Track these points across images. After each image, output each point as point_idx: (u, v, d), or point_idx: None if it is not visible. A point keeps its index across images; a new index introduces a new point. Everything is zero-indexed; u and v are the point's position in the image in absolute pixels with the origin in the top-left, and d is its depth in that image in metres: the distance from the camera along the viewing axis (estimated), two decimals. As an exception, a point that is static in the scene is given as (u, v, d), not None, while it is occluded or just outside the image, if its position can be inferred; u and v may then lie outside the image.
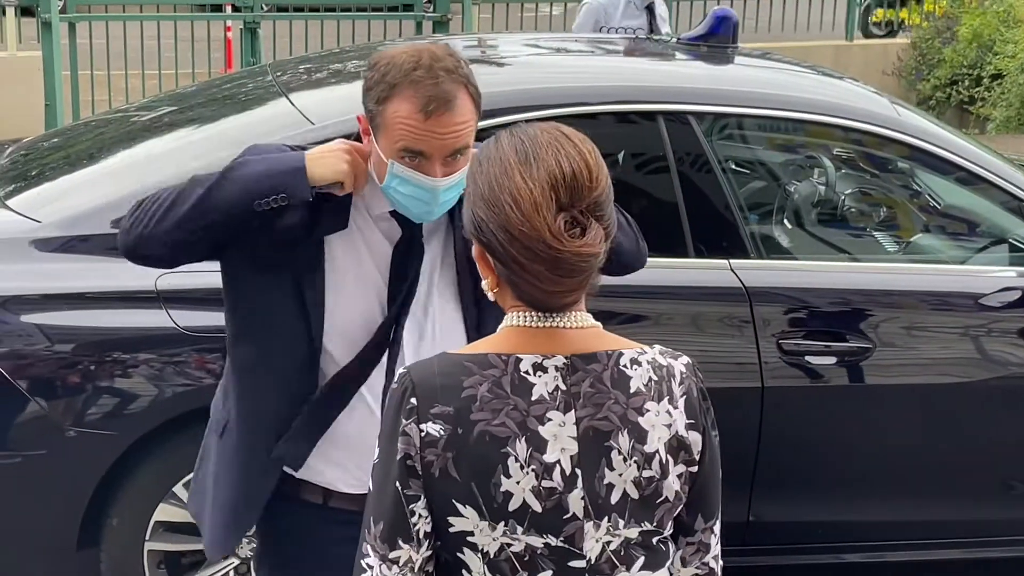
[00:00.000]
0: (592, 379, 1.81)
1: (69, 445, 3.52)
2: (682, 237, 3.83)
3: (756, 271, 3.87)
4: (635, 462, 1.81)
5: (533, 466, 1.77)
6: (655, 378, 1.84)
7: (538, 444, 1.78)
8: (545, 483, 1.78)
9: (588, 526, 1.80)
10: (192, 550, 3.70)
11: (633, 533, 1.84)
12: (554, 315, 1.82)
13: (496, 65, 4.95)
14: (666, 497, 1.84)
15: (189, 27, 9.82)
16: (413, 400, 1.78)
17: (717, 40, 4.54)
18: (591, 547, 1.81)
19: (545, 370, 1.80)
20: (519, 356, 1.80)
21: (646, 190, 4.02)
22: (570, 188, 1.77)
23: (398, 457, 1.77)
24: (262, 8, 9.56)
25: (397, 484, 1.77)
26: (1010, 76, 11.81)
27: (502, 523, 1.78)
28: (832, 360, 3.85)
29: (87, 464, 3.56)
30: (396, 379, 1.82)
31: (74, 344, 3.55)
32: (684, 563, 1.92)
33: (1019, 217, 4.11)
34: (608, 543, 1.82)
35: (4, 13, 9.70)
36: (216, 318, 3.54)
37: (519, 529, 1.78)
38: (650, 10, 6.70)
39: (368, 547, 1.80)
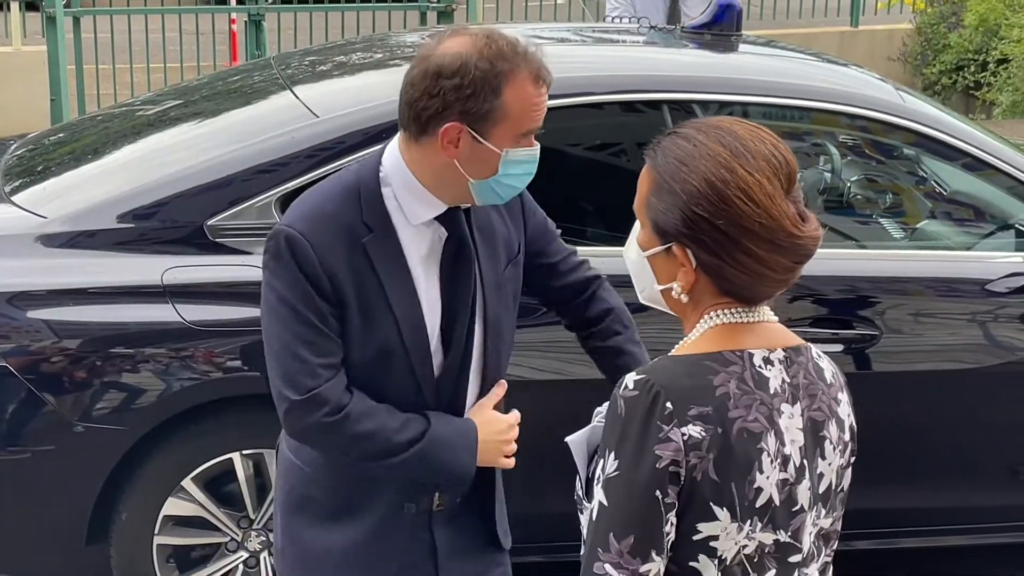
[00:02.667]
0: (803, 371, 1.82)
1: (77, 440, 3.53)
2: (687, 226, 3.82)
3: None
4: (839, 451, 1.84)
5: (778, 459, 1.76)
6: (834, 371, 1.88)
7: (781, 437, 1.77)
8: (782, 475, 1.76)
9: (808, 518, 1.80)
10: (201, 544, 3.71)
11: (827, 524, 1.86)
12: (757, 310, 1.81)
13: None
14: (843, 487, 1.87)
15: (194, 20, 9.80)
16: (669, 404, 1.71)
17: (721, 28, 4.53)
18: (806, 540, 1.81)
19: (772, 364, 1.79)
20: (751, 351, 1.78)
21: (651, 179, 4.01)
22: (787, 176, 1.77)
23: (660, 465, 1.69)
24: (266, 0, 9.55)
25: (657, 493, 1.69)
26: (1016, 61, 11.77)
27: (748, 522, 1.75)
28: (839, 348, 3.84)
29: (96, 459, 3.56)
30: (631, 386, 1.73)
31: (81, 339, 3.55)
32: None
33: (1024, 202, 4.10)
34: (811, 534, 1.83)
35: (9, 8, 9.69)
36: (222, 312, 3.58)
37: (759, 526, 1.76)
38: None
39: (606, 566, 1.70)
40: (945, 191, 4.47)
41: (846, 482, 1.88)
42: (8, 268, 3.58)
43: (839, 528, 1.91)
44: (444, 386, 2.44)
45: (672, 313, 1.87)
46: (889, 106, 4.14)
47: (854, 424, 1.88)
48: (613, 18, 6.01)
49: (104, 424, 3.54)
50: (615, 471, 1.71)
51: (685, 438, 1.70)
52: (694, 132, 1.79)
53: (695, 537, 1.73)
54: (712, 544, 1.74)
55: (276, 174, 3.70)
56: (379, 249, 2.36)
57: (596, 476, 1.74)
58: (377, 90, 4.11)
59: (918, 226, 4.36)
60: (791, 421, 1.78)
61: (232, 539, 3.71)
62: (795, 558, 1.80)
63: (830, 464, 1.83)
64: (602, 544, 1.70)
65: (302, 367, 2.32)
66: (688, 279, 1.79)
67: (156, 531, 3.64)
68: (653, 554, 1.70)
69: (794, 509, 1.78)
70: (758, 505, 1.74)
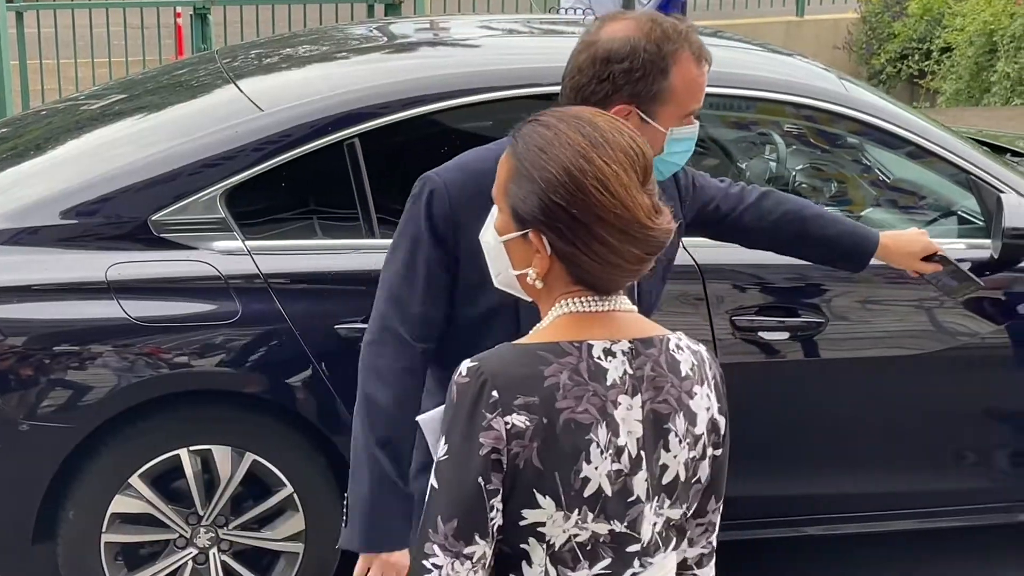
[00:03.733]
0: (652, 363, 1.83)
1: (23, 439, 3.50)
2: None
3: (708, 248, 3.84)
4: (687, 444, 1.84)
5: (610, 450, 1.77)
6: (695, 363, 1.88)
7: (615, 428, 1.78)
8: (615, 466, 1.78)
9: (647, 509, 1.82)
10: (149, 541, 3.69)
11: (675, 514, 1.87)
12: (608, 300, 1.82)
13: (449, 47, 4.94)
14: (699, 478, 1.88)
15: (139, 14, 9.72)
16: (495, 393, 1.73)
17: (666, 19, 4.53)
18: (646, 530, 1.83)
19: (614, 355, 1.80)
20: (590, 342, 1.79)
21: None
22: (643, 168, 1.79)
23: (482, 452, 1.72)
24: (212, -7, 9.49)
25: (480, 480, 1.72)
26: (959, 49, 11.89)
27: (576, 511, 1.77)
28: (785, 335, 3.87)
29: (41, 457, 3.54)
30: (464, 372, 1.76)
31: (25, 337, 3.52)
32: (691, 543, 1.95)
33: (967, 189, 4.14)
34: (654, 524, 1.84)
35: (-50, 3, 9.58)
36: (167, 307, 3.56)
37: (590, 516, 1.78)
38: None
39: (434, 547, 1.74)
40: (889, 179, 4.51)
41: (705, 474, 1.88)
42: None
43: (713, 520, 1.93)
44: None
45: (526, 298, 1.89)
46: (832, 95, 4.17)
47: (718, 417, 1.88)
48: (566, 10, 6.02)
49: (50, 422, 3.51)
50: (444, 455, 1.75)
51: (508, 427, 1.73)
52: (555, 120, 1.81)
53: (521, 523, 1.77)
54: (539, 530, 1.77)
55: (221, 168, 3.68)
56: None
57: (435, 458, 1.79)
58: (324, 83, 4.10)
59: (863, 214, 4.39)
60: (629, 412, 1.80)
61: (181, 536, 3.69)
62: (633, 548, 1.82)
63: (675, 456, 1.83)
64: (432, 526, 1.75)
65: (395, 308, 2.44)
66: (543, 265, 1.81)
67: (104, 529, 3.61)
68: (477, 537, 1.74)
69: (629, 500, 1.80)
70: (586, 495, 1.76)
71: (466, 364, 1.77)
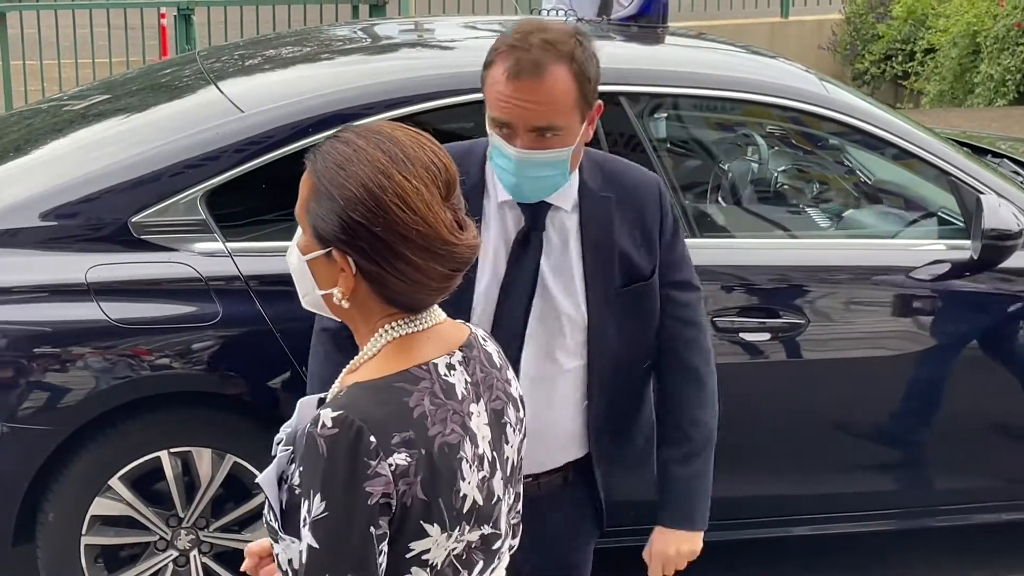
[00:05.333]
0: (479, 364, 1.85)
1: (2, 441, 3.49)
2: (616, 218, 3.83)
3: (692, 250, 3.87)
4: (517, 429, 1.89)
5: (475, 462, 1.78)
6: (497, 348, 1.92)
7: (475, 440, 1.79)
8: (480, 474, 1.78)
9: (503, 505, 1.84)
10: (130, 543, 3.68)
11: (512, 497, 1.90)
12: (426, 315, 1.80)
13: (433, 48, 4.94)
14: (522, 456, 1.93)
15: (123, 14, 9.70)
16: (372, 438, 1.67)
17: (647, 20, 4.55)
18: (503, 524, 1.85)
19: (455, 368, 1.80)
20: (435, 361, 1.78)
21: (579, 171, 4.02)
22: (446, 182, 1.75)
23: (371, 501, 1.66)
24: (196, -6, 9.48)
25: (370, 528, 1.67)
26: (942, 51, 11.93)
27: (456, 529, 1.75)
28: (766, 336, 3.87)
29: (21, 459, 3.52)
30: (330, 424, 1.67)
31: (5, 339, 3.51)
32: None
33: (947, 190, 4.16)
34: (508, 514, 1.87)
35: (-68, 3, 9.56)
36: (147, 309, 3.55)
37: (467, 529, 1.77)
38: None
39: None
40: (870, 180, 4.52)
41: (523, 451, 1.94)
42: (-71, 268, 3.52)
43: (519, 490, 1.95)
44: None
45: (339, 319, 1.84)
46: (813, 97, 4.18)
47: (520, 393, 1.94)
48: (548, 11, 5.99)
49: (29, 424, 3.50)
50: (323, 512, 1.66)
51: (392, 468, 1.68)
52: (354, 137, 1.77)
53: (408, 555, 1.73)
54: (424, 557, 1.74)
55: (202, 169, 3.67)
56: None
57: (302, 518, 1.69)
58: (306, 83, 4.09)
59: (844, 215, 4.40)
60: (479, 419, 1.80)
61: (161, 538, 3.68)
62: (497, 544, 1.85)
63: (512, 445, 1.87)
64: None
65: None
66: (348, 284, 1.76)
67: (84, 531, 3.60)
68: None
69: (493, 502, 1.81)
70: (465, 511, 1.76)
71: (327, 414, 1.68)
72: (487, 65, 2.45)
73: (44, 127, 4.49)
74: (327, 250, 1.75)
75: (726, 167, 4.55)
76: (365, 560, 1.67)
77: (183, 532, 3.68)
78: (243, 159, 3.69)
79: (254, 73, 4.64)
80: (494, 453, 1.81)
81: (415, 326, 1.79)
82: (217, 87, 4.09)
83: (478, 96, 3.88)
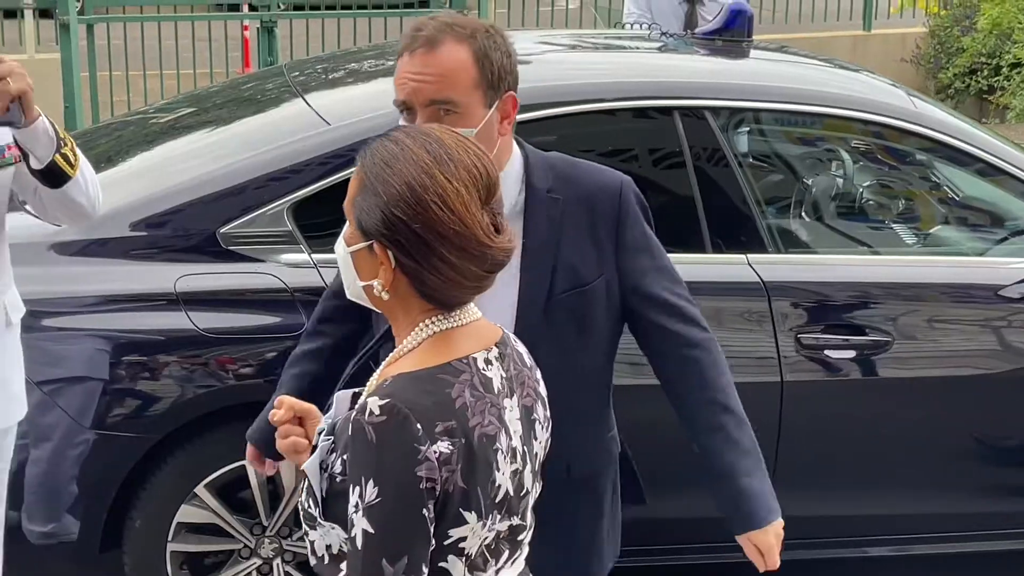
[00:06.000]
0: (511, 363, 1.91)
1: (91, 447, 3.54)
2: (699, 232, 3.82)
3: (774, 265, 3.86)
4: (545, 426, 1.97)
5: (509, 453, 1.84)
6: (524, 349, 2.00)
7: (509, 432, 1.85)
8: (512, 466, 1.85)
9: (531, 498, 1.92)
10: (214, 551, 3.72)
11: (536, 491, 1.96)
12: (462, 312, 1.87)
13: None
14: (546, 451, 1.99)
15: (206, 27, 9.84)
16: (418, 426, 1.73)
17: (732, 34, 4.53)
18: (529, 516, 1.92)
19: (491, 363, 1.87)
20: (474, 356, 1.85)
21: (662, 186, 4.02)
22: (486, 187, 1.82)
23: (421, 485, 1.73)
24: (279, 7, 9.58)
25: (422, 511, 1.73)
26: (1029, 64, 11.74)
27: (490, 518, 1.81)
28: (851, 354, 3.84)
29: (109, 466, 3.58)
30: (378, 412, 1.73)
31: (95, 347, 3.56)
32: None
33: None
34: (530, 508, 1.93)
35: (23, 15, 9.74)
36: (234, 319, 3.59)
37: (499, 518, 1.83)
38: (691, 1, 6.14)
39: None
40: (958, 196, 4.46)
41: (548, 447, 2.00)
42: (22, 276, 3.58)
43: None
44: None
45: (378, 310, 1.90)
46: (901, 111, 4.14)
47: (545, 393, 2.00)
48: (630, 24, 5.98)
49: (118, 431, 3.55)
50: (376, 498, 1.72)
51: (437, 455, 1.74)
52: (403, 136, 1.83)
53: (446, 542, 1.79)
54: (460, 545, 1.80)
55: (288, 182, 3.71)
56: None
57: (352, 503, 1.74)
58: (388, 97, 4.11)
59: (931, 232, 4.36)
60: (512, 414, 1.87)
61: (245, 546, 3.71)
62: (523, 536, 1.91)
63: (540, 442, 1.94)
64: (374, 572, 1.73)
65: None
66: (387, 277, 1.82)
67: (170, 538, 3.65)
68: (423, 567, 1.76)
69: (523, 494, 1.89)
70: (498, 500, 1.83)
71: (375, 402, 1.74)
72: (398, 57, 2.41)
73: (133, 139, 4.56)
74: (369, 243, 1.82)
75: (810, 182, 4.51)
76: (419, 543, 1.74)
77: (267, 540, 3.72)
78: (329, 171, 3.72)
79: (338, 86, 4.69)
80: (524, 447, 1.89)
81: (454, 322, 1.86)
82: (304, 100, 4.13)
83: (556, 111, 3.95)
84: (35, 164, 2.84)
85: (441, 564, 1.79)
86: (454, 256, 1.78)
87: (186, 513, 3.65)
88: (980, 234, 4.33)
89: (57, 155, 2.81)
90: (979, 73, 12.49)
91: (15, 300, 3.09)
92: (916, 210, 4.51)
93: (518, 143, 2.54)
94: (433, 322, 1.84)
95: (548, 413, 1.99)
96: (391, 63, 4.86)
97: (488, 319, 2.42)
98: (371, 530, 1.73)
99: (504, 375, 1.88)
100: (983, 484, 4.10)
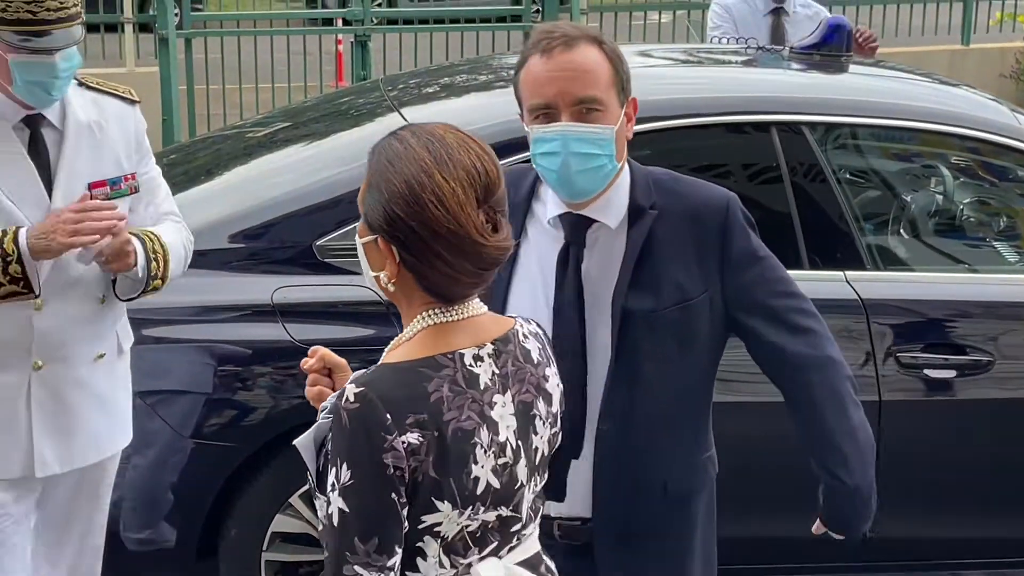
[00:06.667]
0: (511, 358, 1.96)
1: (189, 456, 3.58)
2: (796, 248, 3.79)
3: (872, 283, 3.81)
4: (548, 423, 2.01)
5: (493, 448, 1.89)
6: (539, 346, 2.04)
7: (494, 428, 1.90)
8: (500, 460, 1.90)
9: (527, 491, 1.97)
10: (308, 561, 3.75)
11: (539, 485, 2.01)
12: (462, 307, 1.93)
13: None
14: (558, 444, 2.05)
15: (301, 41, 9.96)
16: (388, 416, 1.80)
17: (830, 49, 4.49)
18: (525, 509, 1.97)
19: (482, 360, 1.93)
20: (461, 351, 1.90)
21: (759, 201, 3.97)
22: (485, 186, 1.87)
23: (388, 472, 1.80)
24: (372, 21, 9.66)
25: (392, 496, 1.81)
26: None
27: (470, 508, 1.87)
28: (951, 373, 3.78)
29: (206, 475, 3.62)
30: (352, 399, 1.81)
31: (194, 357, 3.61)
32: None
33: None
34: (530, 500, 1.99)
35: (123, 30, 9.92)
36: (330, 331, 3.61)
37: (481, 509, 1.89)
38: (777, 13, 6.04)
39: (356, 567, 1.81)
40: (1063, 214, 4.38)
41: (557, 441, 2.04)
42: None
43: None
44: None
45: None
46: (1003, 127, 4.07)
47: (560, 387, 2.05)
48: (715, 38, 5.94)
49: (214, 440, 3.59)
50: (350, 480, 1.81)
51: (405, 446, 1.81)
52: (408, 135, 1.91)
53: (420, 526, 1.86)
54: (436, 529, 1.87)
55: (384, 195, 3.73)
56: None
57: (330, 482, 1.82)
58: (482, 112, 4.13)
59: (1033, 250, 4.27)
60: (504, 409, 1.92)
61: (338, 557, 3.73)
62: (516, 527, 1.96)
63: (541, 437, 1.99)
64: (349, 548, 1.82)
65: None
66: (392, 270, 1.89)
67: (264, 547, 3.68)
68: (396, 548, 1.84)
69: (516, 487, 1.94)
70: (479, 492, 1.88)
71: (351, 389, 1.82)
72: (518, 70, 2.40)
73: (230, 152, 4.62)
74: (374, 237, 1.90)
75: (909, 198, 4.45)
76: (390, 524, 1.82)
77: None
78: (424, 185, 3.73)
79: (432, 101, 4.71)
80: (519, 442, 1.94)
81: (450, 316, 1.92)
82: (400, 114, 4.16)
83: (652, 125, 3.92)
84: (120, 294, 2.97)
85: (418, 544, 1.87)
86: (448, 253, 1.85)
87: (281, 523, 3.68)
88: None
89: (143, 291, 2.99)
90: (1081, 88, 12.23)
91: (126, 328, 3.16)
92: (1018, 227, 4.42)
93: (627, 159, 2.51)
94: (430, 315, 1.91)
95: (554, 409, 2.02)
96: (484, 77, 4.94)
97: (597, 333, 2.43)
98: (346, 509, 1.81)
99: (497, 371, 1.93)
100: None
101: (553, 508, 2.47)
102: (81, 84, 3.03)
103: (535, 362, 2.00)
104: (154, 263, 2.98)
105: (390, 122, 4.18)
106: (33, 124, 2.91)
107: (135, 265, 2.91)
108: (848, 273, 3.80)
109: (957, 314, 3.85)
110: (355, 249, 3.58)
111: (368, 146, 3.94)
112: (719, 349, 2.54)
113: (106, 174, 2.97)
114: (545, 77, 2.35)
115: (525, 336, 2.02)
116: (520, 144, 3.71)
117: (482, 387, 1.90)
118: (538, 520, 2.05)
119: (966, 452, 3.88)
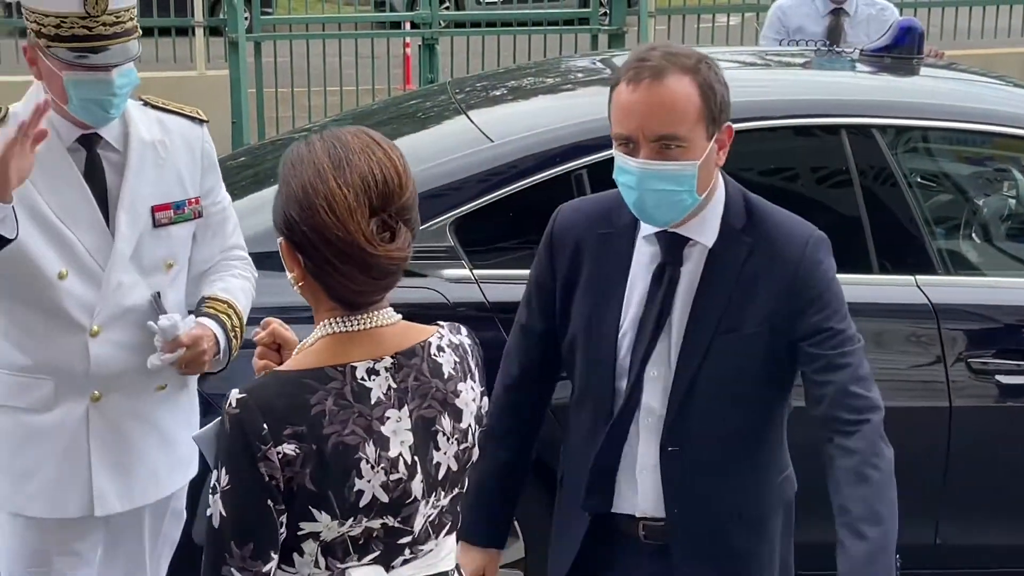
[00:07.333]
0: (415, 373, 1.93)
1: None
2: (866, 253, 3.75)
3: (943, 288, 3.76)
4: (456, 439, 1.97)
5: (382, 464, 1.87)
6: (457, 359, 1.99)
7: (383, 443, 1.88)
8: (392, 476, 1.88)
9: (421, 505, 1.93)
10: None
11: (447, 500, 1.99)
12: (366, 316, 1.90)
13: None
14: (471, 460, 2.02)
15: (369, 44, 10.02)
16: (265, 425, 1.80)
17: (901, 51, 4.44)
18: (419, 523, 1.95)
19: (377, 373, 1.89)
20: (353, 365, 1.87)
21: (829, 205, 3.95)
22: (381, 193, 1.84)
23: (264, 480, 1.80)
24: (440, 25, 9.70)
25: (269, 502, 1.81)
26: None
27: (351, 518, 1.86)
28: (1023, 379, 3.72)
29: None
30: (234, 404, 1.82)
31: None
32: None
33: None
34: (428, 516, 1.96)
35: (193, 33, 10.04)
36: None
37: (364, 520, 1.88)
38: (836, 14, 5.94)
39: (232, 570, 1.82)
40: None
41: (474, 455, 2.01)
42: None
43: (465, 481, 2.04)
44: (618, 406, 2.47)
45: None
46: (1079, 131, 4.00)
47: (481, 403, 2.01)
48: (770, 38, 5.93)
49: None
50: (228, 485, 1.82)
51: (280, 456, 1.80)
52: (316, 139, 1.89)
53: (299, 532, 1.86)
54: (315, 532, 1.86)
55: (450, 198, 3.74)
56: (610, 245, 2.46)
57: (212, 484, 1.83)
58: (550, 115, 4.14)
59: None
60: (399, 424, 1.89)
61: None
62: (404, 540, 1.93)
63: (445, 453, 1.95)
64: (226, 550, 1.83)
65: (522, 308, 2.65)
66: (298, 272, 1.89)
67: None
68: (271, 553, 1.84)
69: (408, 502, 1.91)
70: (362, 505, 1.86)
71: (235, 395, 1.83)
72: (611, 90, 2.37)
73: (299, 154, 4.65)
74: (280, 239, 1.90)
75: (981, 202, 4.39)
76: (266, 530, 1.82)
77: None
78: (490, 188, 3.74)
79: (500, 104, 4.72)
80: (415, 457, 1.90)
81: (351, 325, 1.89)
82: (468, 117, 4.17)
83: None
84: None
85: (295, 547, 1.87)
86: (338, 260, 1.83)
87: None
88: None
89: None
90: None
91: None
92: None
93: (722, 176, 2.49)
94: (332, 323, 1.90)
95: (464, 425, 1.98)
96: (551, 80, 4.95)
97: (671, 350, 2.41)
98: (224, 513, 1.83)
99: (394, 385, 1.90)
100: None
101: (637, 508, 2.48)
102: (146, 104, 2.95)
103: (445, 376, 1.96)
104: (234, 340, 2.92)
105: (457, 125, 4.19)
106: (89, 144, 2.80)
107: (216, 356, 2.86)
108: (919, 278, 3.76)
109: (1029, 319, 3.80)
110: (423, 251, 3.67)
111: (436, 148, 4.02)
112: (788, 379, 2.49)
113: (170, 196, 2.88)
114: (628, 108, 2.31)
115: (440, 349, 1.97)
116: (586, 147, 3.76)
117: (373, 401, 1.87)
118: (444, 538, 2.00)
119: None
